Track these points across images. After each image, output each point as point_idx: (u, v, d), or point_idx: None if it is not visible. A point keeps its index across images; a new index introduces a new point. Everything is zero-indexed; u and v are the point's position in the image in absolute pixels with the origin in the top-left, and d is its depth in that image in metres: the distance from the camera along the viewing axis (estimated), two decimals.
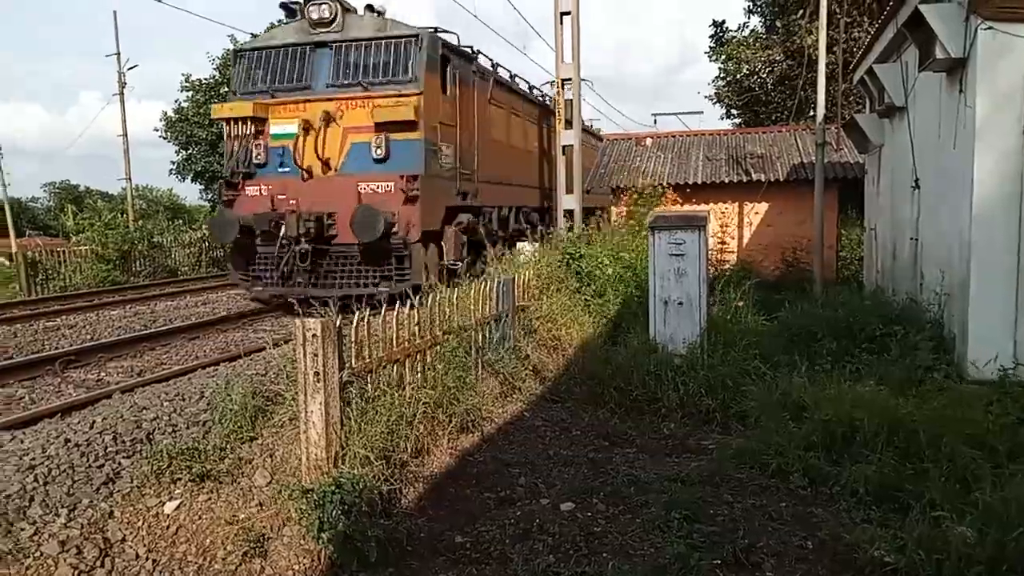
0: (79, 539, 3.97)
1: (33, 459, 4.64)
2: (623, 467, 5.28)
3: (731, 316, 8.74)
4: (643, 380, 6.84)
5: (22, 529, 3.99)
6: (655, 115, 35.89)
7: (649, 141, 20.24)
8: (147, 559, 4.02)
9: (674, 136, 20.57)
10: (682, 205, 16.49)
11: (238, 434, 5.23)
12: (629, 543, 4.14)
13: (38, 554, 3.83)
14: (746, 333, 8.08)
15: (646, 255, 11.16)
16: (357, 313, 5.23)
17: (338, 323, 4.81)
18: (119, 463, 4.75)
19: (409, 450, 5.12)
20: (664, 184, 16.99)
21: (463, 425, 5.85)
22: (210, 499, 4.55)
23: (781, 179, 16.79)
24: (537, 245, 12.73)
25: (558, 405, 6.88)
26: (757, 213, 17.39)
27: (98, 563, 3.90)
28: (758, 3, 30.82)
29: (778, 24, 27.88)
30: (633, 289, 10.43)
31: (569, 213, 14.89)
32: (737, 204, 17.53)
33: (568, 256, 10.52)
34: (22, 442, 5.07)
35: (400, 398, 5.28)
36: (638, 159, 19.17)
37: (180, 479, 4.64)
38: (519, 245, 12.57)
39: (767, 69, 28.58)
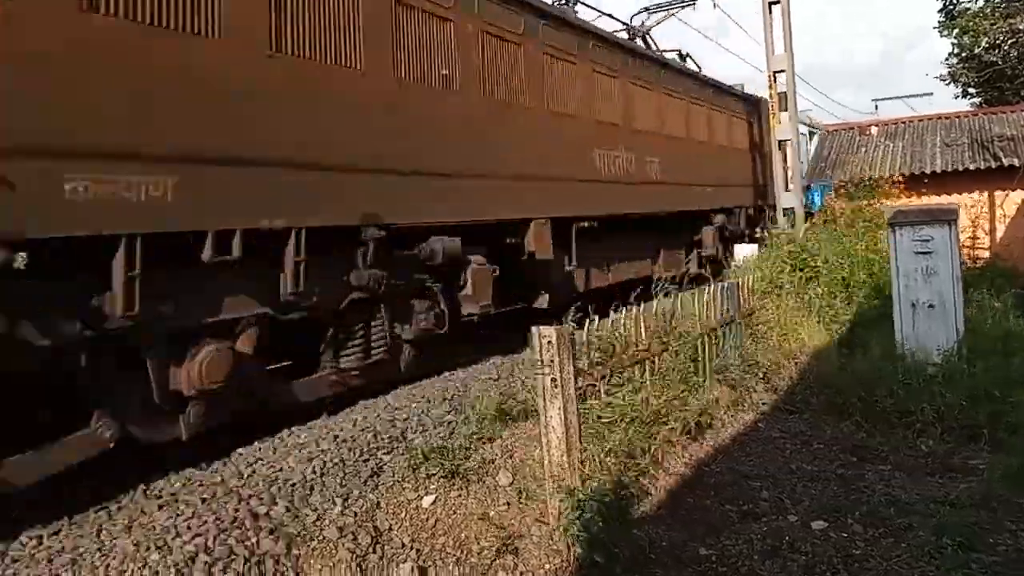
0: (354, 527, 4.37)
1: (310, 452, 5.20)
2: (878, 485, 4.93)
3: (990, 319, 7.88)
4: (891, 390, 6.35)
5: (306, 515, 4.47)
6: (876, 100, 33.06)
7: (874, 129, 18.75)
8: (411, 548, 4.35)
9: (904, 122, 18.88)
10: (919, 198, 15.09)
11: (479, 435, 5.53)
12: (895, 570, 3.86)
13: (321, 538, 4.28)
14: (1009, 338, 7.25)
15: (882, 254, 10.41)
16: (588, 320, 5.34)
17: (572, 330, 4.94)
18: (380, 458, 5.18)
19: (645, 457, 5.12)
20: (898, 176, 15.65)
21: (695, 434, 5.76)
22: (461, 495, 4.84)
23: None
24: (755, 247, 12.25)
25: (794, 416, 6.56)
26: (1014, 202, 15.49)
27: (371, 549, 4.28)
28: None
29: None
30: (869, 291, 9.71)
31: (789, 211, 14.19)
32: (986, 194, 15.74)
33: (794, 257, 10.00)
34: (298, 437, 5.69)
35: (633, 404, 5.31)
36: (862, 150, 17.83)
37: (433, 475, 4.98)
38: (737, 247, 12.16)
39: (1011, 40, 25.39)
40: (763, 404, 6.78)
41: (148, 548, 3.70)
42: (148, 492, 4.45)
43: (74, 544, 3.79)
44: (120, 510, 4.19)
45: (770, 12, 14.08)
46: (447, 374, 7.62)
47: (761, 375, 7.23)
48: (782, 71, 14.18)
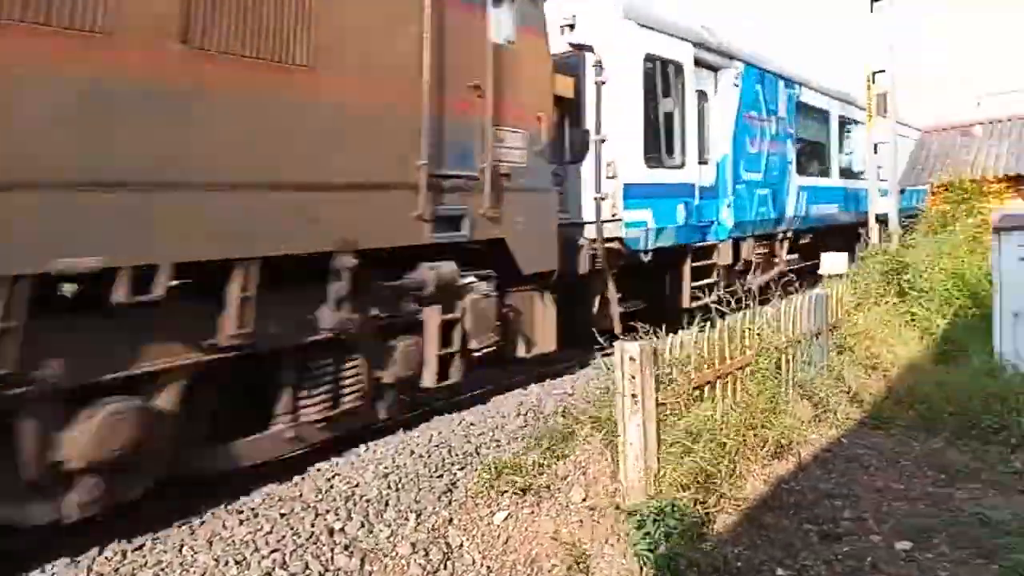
0: (426, 543, 4.46)
1: (386, 468, 5.33)
2: (968, 504, 4.67)
3: None
4: (987, 405, 6.00)
5: (380, 531, 4.59)
6: (980, 97, 31.18)
7: (979, 129, 17.70)
8: (482, 565, 4.40)
9: (1011, 120, 17.77)
10: None
11: (552, 451, 5.54)
12: None
13: (394, 554, 4.38)
14: None
15: (982, 261, 9.85)
16: (671, 334, 5.29)
17: (655, 345, 4.90)
18: (455, 474, 5.27)
19: (723, 474, 5.01)
20: (999, 177, 14.76)
21: (776, 450, 5.59)
22: (533, 512, 4.86)
23: None
24: (846, 255, 11.81)
25: (881, 432, 6.29)
26: None
27: (441, 565, 4.35)
28: None
29: None
30: (966, 300, 9.20)
31: (883, 217, 13.63)
32: None
33: (887, 266, 9.58)
34: (375, 452, 5.84)
35: (713, 421, 5.21)
36: (964, 151, 16.90)
37: (506, 492, 5.02)
38: (825, 255, 11.75)
39: None
40: (848, 419, 6.52)
41: (227, 563, 3.88)
42: (230, 507, 4.65)
43: (157, 559, 3.98)
44: (203, 525, 4.39)
45: (871, 10, 13.63)
46: (520, 391, 7.67)
47: (846, 389, 6.95)
48: (882, 71, 13.66)
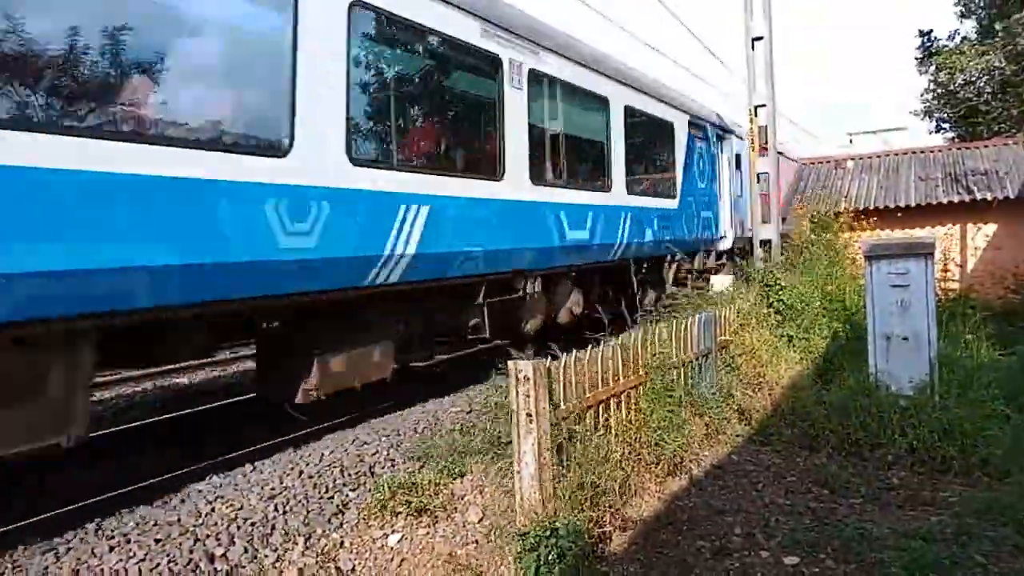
0: (315, 567, 4.25)
1: (273, 489, 5.06)
2: (850, 519, 4.86)
3: (960, 351, 7.89)
4: (864, 423, 6.31)
5: (265, 556, 4.33)
6: (851, 135, 33.58)
7: (851, 163, 18.98)
8: None
9: (879, 156, 19.14)
10: (893, 231, 15.26)
11: (449, 470, 5.41)
12: None
13: None
14: (981, 370, 7.25)
15: (856, 286, 10.44)
16: (565, 354, 5.27)
17: (548, 364, 4.87)
18: (347, 495, 5.06)
19: (617, 493, 5.03)
20: (861, 208, 15.77)
21: (670, 468, 5.68)
22: (428, 533, 4.72)
23: (1012, 196, 15.08)
24: (731, 278, 12.28)
25: (768, 448, 6.50)
26: (985, 236, 15.70)
27: None
28: (971, 6, 28.24)
29: (997, 27, 25.31)
30: (842, 323, 9.72)
31: (766, 243, 14.27)
32: (959, 226, 15.93)
33: (768, 289, 10.00)
34: (261, 472, 5.55)
35: (608, 439, 5.23)
36: (839, 182, 18.03)
37: (400, 512, 4.86)
38: (713, 278, 12.18)
39: (985, 77, 26.00)
40: (737, 436, 6.72)
41: None
42: (100, 532, 4.28)
43: None
44: (69, 552, 4.03)
45: (753, 48, 14.29)
46: (419, 406, 7.51)
47: (736, 408, 7.18)
48: (763, 105, 14.35)
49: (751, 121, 14.36)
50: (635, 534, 4.81)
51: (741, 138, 16.30)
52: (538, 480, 4.61)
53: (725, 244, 16.06)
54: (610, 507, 4.91)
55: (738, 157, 17.36)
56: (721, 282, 11.49)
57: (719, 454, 6.32)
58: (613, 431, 5.43)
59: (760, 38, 14.00)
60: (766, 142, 14.42)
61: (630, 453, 5.40)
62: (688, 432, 6.17)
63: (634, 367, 5.95)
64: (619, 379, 5.70)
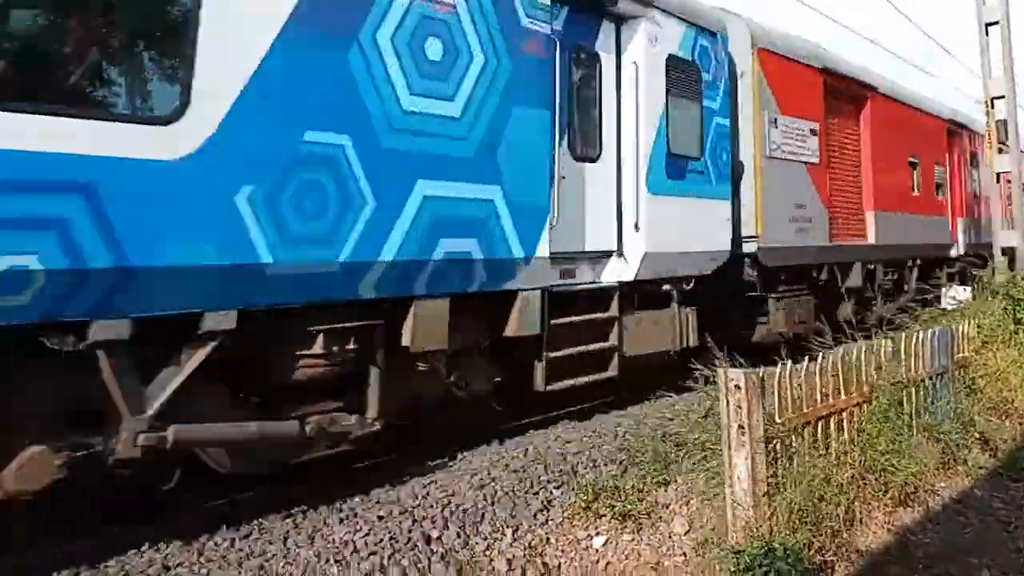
0: (523, 560, 4.29)
1: (481, 479, 5.19)
2: None
3: None
4: None
5: (476, 543, 4.44)
6: None
7: None
8: None
9: None
10: None
11: (653, 477, 5.27)
12: None
13: (491, 568, 4.22)
14: None
15: None
16: (780, 363, 4.95)
17: (761, 373, 4.60)
18: (551, 492, 5.08)
19: (840, 518, 4.64)
20: None
21: (900, 497, 5.15)
22: (633, 540, 4.62)
23: None
24: (969, 290, 11.04)
25: (1020, 484, 5.73)
26: None
27: None
28: None
29: None
30: None
31: (1008, 251, 12.71)
32: None
33: (1017, 303, 8.83)
34: (469, 462, 5.71)
35: (827, 459, 4.84)
36: None
37: (604, 515, 4.79)
38: (948, 290, 11.00)
39: None
40: (980, 468, 5.98)
41: (328, 561, 3.83)
42: (330, 505, 4.61)
43: (262, 549, 3.99)
44: (304, 519, 4.37)
45: (987, 34, 12.83)
46: (616, 411, 7.43)
47: (977, 435, 6.39)
48: (1001, 96, 12.83)
49: (987, 115, 12.90)
50: (862, 566, 4.41)
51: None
52: (752, 495, 4.36)
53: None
54: (832, 533, 4.54)
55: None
56: (958, 294, 10.35)
57: (958, 486, 5.65)
58: (833, 452, 5.02)
59: (995, 23, 12.52)
60: (1005, 138, 12.91)
61: (854, 477, 4.96)
62: (921, 459, 5.58)
63: (857, 383, 5.47)
64: (839, 395, 5.27)
